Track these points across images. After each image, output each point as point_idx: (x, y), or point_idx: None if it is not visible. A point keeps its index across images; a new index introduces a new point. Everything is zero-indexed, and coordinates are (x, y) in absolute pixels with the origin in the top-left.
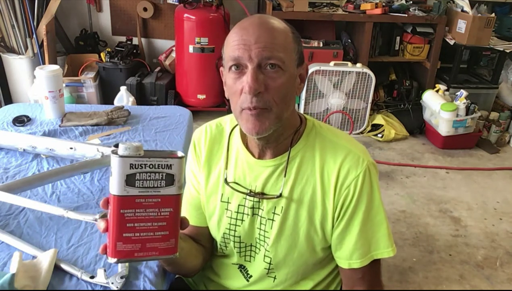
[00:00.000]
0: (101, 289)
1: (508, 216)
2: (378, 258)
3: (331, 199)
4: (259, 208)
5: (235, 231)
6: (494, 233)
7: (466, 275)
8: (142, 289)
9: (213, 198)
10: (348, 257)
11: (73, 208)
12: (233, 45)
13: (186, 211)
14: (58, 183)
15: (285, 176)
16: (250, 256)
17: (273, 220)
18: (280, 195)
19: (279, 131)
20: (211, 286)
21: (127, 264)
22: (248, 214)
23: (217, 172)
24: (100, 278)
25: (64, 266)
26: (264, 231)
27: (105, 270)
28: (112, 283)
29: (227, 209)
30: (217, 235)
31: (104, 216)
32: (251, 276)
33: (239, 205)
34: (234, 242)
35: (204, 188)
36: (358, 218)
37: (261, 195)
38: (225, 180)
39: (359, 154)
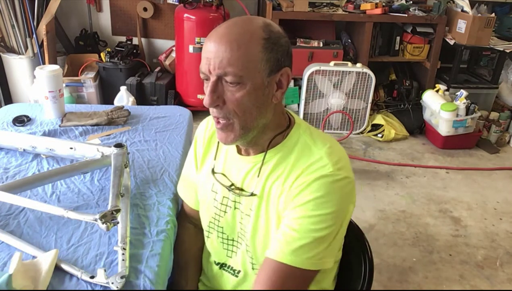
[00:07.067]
0: (101, 289)
1: (508, 216)
2: (293, 265)
3: (286, 194)
4: (240, 203)
5: (218, 221)
6: (494, 233)
7: (466, 275)
8: (142, 289)
9: (205, 186)
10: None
11: (73, 208)
12: (202, 57)
13: (188, 195)
14: (58, 183)
15: (258, 176)
16: (232, 251)
17: (249, 216)
18: (252, 194)
19: (256, 137)
20: (203, 288)
21: (127, 264)
22: (230, 207)
23: (209, 162)
24: (100, 278)
25: (64, 266)
26: (243, 225)
27: (105, 270)
28: (112, 283)
29: (215, 199)
30: (204, 222)
31: (104, 216)
32: (239, 271)
33: (223, 197)
34: (217, 231)
35: (198, 175)
36: (296, 213)
37: (240, 191)
38: (212, 170)
39: (328, 162)
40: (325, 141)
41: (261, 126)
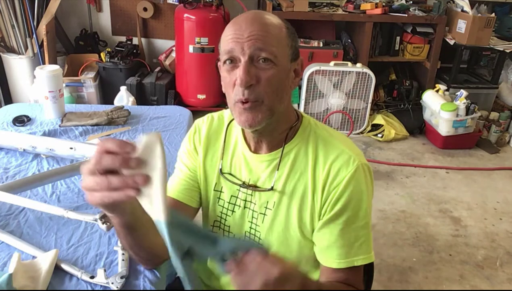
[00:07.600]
0: (101, 289)
1: (508, 216)
2: (358, 264)
3: (319, 196)
4: (251, 202)
5: (225, 220)
6: (494, 233)
7: (466, 275)
8: (142, 289)
9: (207, 185)
10: (325, 253)
11: (73, 208)
12: (227, 39)
13: (172, 186)
14: (58, 183)
15: (278, 169)
16: None
17: (265, 214)
18: (272, 188)
19: (273, 125)
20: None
21: (127, 264)
22: (240, 206)
23: (213, 161)
24: (100, 278)
25: (64, 266)
26: (256, 224)
27: (105, 270)
28: (112, 283)
29: (219, 198)
30: (208, 222)
31: (104, 216)
32: None
33: (231, 196)
34: (224, 230)
35: (201, 174)
36: (342, 218)
37: (254, 188)
38: (220, 170)
39: (351, 154)
40: (337, 134)
41: (280, 113)
